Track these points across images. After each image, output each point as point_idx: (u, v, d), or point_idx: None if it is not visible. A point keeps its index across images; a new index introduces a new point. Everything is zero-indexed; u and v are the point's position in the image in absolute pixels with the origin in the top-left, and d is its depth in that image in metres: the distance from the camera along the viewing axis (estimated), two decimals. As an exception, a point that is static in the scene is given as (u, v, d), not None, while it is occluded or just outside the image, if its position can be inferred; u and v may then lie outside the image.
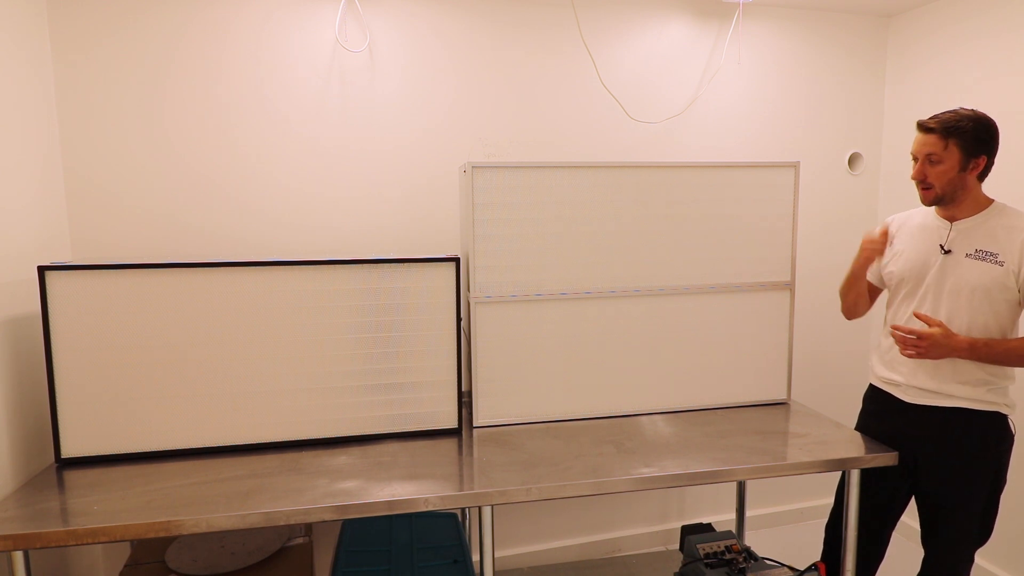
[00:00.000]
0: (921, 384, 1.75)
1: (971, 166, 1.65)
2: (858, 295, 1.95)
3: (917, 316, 1.70)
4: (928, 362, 1.72)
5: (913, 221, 1.83)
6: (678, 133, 2.62)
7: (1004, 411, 1.69)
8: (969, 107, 1.67)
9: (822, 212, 2.84)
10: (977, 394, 1.68)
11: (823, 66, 2.76)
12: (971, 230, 1.69)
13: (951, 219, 1.73)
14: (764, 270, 2.14)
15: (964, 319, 1.67)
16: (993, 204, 1.70)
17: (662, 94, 2.58)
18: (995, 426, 1.70)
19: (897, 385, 1.81)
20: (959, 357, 1.65)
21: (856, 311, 1.99)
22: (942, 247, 1.72)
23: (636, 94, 2.54)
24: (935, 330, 1.64)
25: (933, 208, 1.78)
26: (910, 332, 1.67)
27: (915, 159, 1.71)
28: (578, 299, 2.02)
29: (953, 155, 1.63)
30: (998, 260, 1.63)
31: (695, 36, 2.59)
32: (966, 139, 1.62)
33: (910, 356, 1.69)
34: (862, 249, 1.86)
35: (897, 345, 1.72)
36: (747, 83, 2.67)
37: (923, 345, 1.65)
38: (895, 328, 1.71)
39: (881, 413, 1.88)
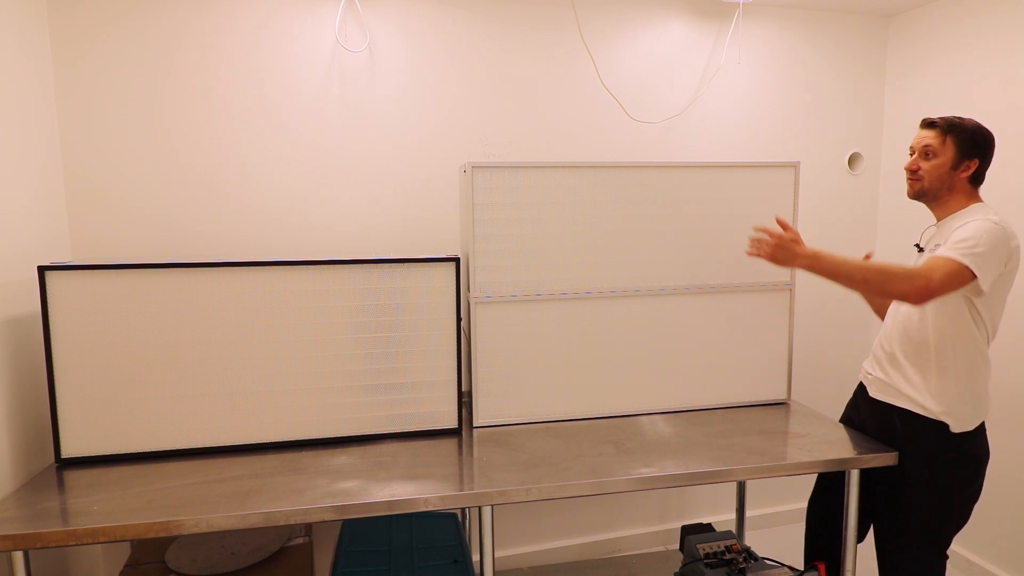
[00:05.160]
0: (879, 374, 1.80)
1: (963, 167, 1.67)
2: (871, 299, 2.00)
3: (778, 220, 1.76)
4: (894, 352, 1.75)
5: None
6: (678, 133, 2.62)
7: (946, 420, 1.64)
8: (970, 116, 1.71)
9: (822, 212, 2.84)
10: (920, 397, 1.67)
11: (823, 66, 2.76)
12: (943, 229, 1.71)
13: (937, 219, 1.76)
14: (764, 270, 2.14)
15: (929, 318, 1.67)
16: (972, 206, 1.68)
17: (662, 94, 2.58)
18: (937, 436, 1.65)
19: (867, 376, 1.87)
20: (801, 266, 1.64)
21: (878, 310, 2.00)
22: (917, 245, 1.80)
23: (636, 94, 2.54)
24: (784, 233, 1.67)
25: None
26: (763, 230, 1.70)
27: (912, 152, 1.74)
28: (578, 299, 2.02)
29: (948, 151, 1.66)
30: None
31: (695, 36, 2.59)
32: (963, 138, 1.65)
33: (753, 255, 1.72)
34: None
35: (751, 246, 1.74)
36: (747, 83, 2.67)
37: (770, 244, 1.68)
38: (755, 228, 1.74)
39: (854, 401, 1.96)
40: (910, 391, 1.70)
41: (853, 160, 2.86)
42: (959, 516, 1.71)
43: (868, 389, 1.86)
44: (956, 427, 1.64)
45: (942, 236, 1.68)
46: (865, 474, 1.79)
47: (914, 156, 1.73)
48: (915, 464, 1.70)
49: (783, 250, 1.66)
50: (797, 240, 1.67)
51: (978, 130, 1.66)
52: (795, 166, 2.12)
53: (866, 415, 1.87)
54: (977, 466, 1.68)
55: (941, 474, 1.67)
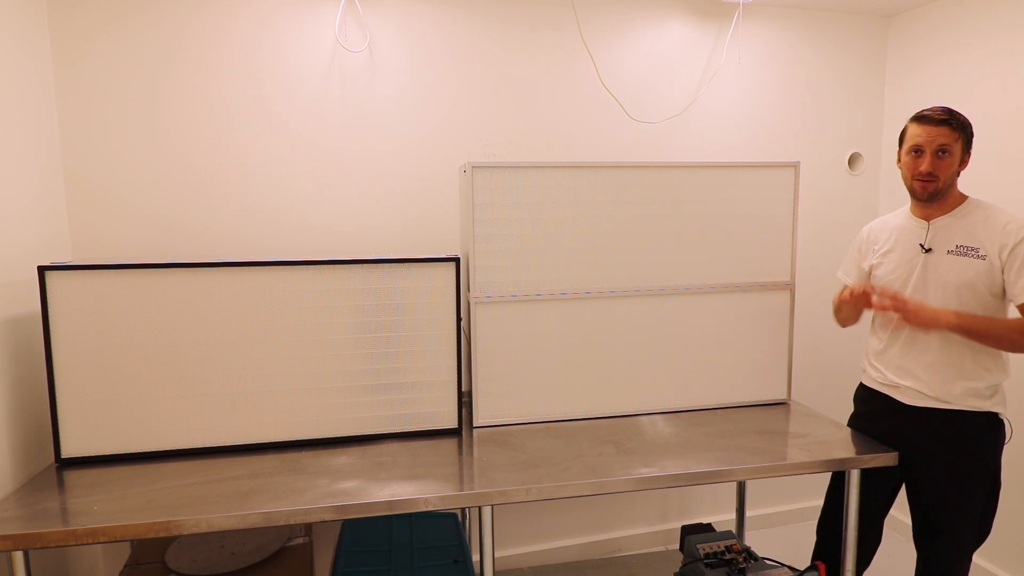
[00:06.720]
0: (911, 383, 1.75)
1: (963, 162, 1.68)
2: (848, 315, 1.96)
3: (886, 294, 1.70)
4: (935, 366, 1.71)
5: (891, 224, 1.85)
6: (678, 133, 2.62)
7: (997, 410, 1.70)
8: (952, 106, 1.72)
9: (822, 212, 2.84)
10: (970, 396, 1.68)
11: (823, 66, 2.76)
12: (949, 227, 1.70)
13: (927, 218, 1.74)
14: (764, 270, 2.14)
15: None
16: (968, 200, 1.72)
17: (662, 94, 2.58)
18: (990, 426, 1.70)
19: (896, 387, 1.81)
20: (945, 327, 1.62)
21: (849, 323, 2.00)
22: (922, 246, 1.73)
23: (636, 94, 2.54)
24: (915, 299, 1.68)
25: (907, 209, 1.80)
26: (892, 297, 1.66)
27: (917, 151, 1.68)
28: (578, 299, 2.02)
29: (959, 149, 1.66)
30: (980, 254, 1.64)
31: (695, 36, 2.59)
32: (968, 135, 1.67)
33: (907, 321, 1.66)
34: (843, 301, 1.84)
35: (882, 317, 1.74)
36: (747, 83, 2.67)
37: (909, 308, 1.63)
38: (880, 295, 1.68)
39: (875, 414, 1.88)
40: (959, 396, 1.69)
41: (853, 160, 2.86)
42: (999, 492, 1.75)
43: (899, 398, 1.79)
44: (1003, 413, 1.70)
45: (957, 236, 1.67)
46: (889, 475, 1.81)
47: (928, 157, 1.66)
48: (973, 458, 1.70)
49: (922, 312, 1.62)
50: (923, 304, 1.65)
51: (970, 123, 1.68)
52: (795, 166, 2.12)
53: (901, 424, 1.79)
54: (1004, 441, 1.74)
55: (995, 460, 1.71)
